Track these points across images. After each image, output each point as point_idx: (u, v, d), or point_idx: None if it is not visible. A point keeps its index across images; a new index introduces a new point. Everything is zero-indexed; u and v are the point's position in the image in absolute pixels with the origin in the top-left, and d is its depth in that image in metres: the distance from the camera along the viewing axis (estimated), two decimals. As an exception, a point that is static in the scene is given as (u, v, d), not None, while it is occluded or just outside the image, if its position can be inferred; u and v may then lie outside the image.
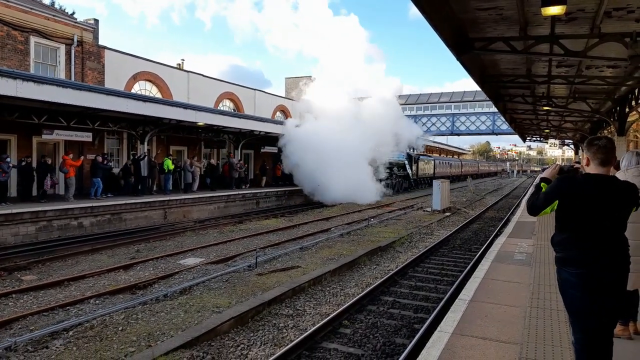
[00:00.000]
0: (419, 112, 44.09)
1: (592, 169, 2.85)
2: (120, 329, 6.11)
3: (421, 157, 39.59)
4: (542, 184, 3.00)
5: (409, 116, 44.22)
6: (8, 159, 13.98)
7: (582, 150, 2.99)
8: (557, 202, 2.78)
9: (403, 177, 34.67)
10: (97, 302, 7.42)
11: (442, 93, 45.11)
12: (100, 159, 16.42)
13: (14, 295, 7.75)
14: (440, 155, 66.76)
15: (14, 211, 12.24)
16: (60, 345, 5.62)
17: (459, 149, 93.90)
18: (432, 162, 43.72)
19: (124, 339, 5.76)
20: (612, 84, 13.25)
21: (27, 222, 12.47)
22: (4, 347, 5.42)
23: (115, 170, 18.71)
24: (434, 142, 67.84)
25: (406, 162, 34.81)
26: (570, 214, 2.75)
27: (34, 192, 15.42)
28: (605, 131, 22.33)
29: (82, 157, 16.04)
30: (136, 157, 18.71)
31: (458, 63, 9.95)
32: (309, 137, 23.38)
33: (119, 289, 8.02)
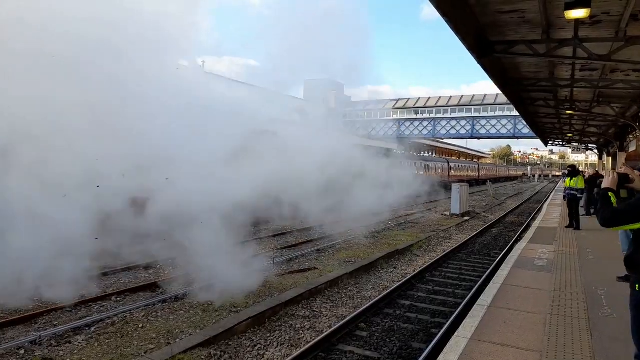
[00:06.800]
0: (439, 115, 43.54)
1: None
2: (140, 326, 6.24)
3: None
4: (610, 193, 2.78)
5: (428, 119, 43.82)
6: None
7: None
8: None
9: None
10: (118, 299, 7.58)
11: (462, 96, 44.43)
12: None
13: (39, 291, 7.95)
14: (450, 157, 65.88)
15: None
16: (83, 340, 5.77)
17: (479, 152, 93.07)
18: None
19: (144, 336, 5.89)
20: (638, 88, 12.92)
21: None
22: (30, 340, 5.60)
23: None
24: (451, 144, 67.33)
25: None
26: None
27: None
28: (631, 136, 21.77)
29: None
30: None
31: (475, 66, 9.88)
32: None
33: (139, 287, 8.17)
